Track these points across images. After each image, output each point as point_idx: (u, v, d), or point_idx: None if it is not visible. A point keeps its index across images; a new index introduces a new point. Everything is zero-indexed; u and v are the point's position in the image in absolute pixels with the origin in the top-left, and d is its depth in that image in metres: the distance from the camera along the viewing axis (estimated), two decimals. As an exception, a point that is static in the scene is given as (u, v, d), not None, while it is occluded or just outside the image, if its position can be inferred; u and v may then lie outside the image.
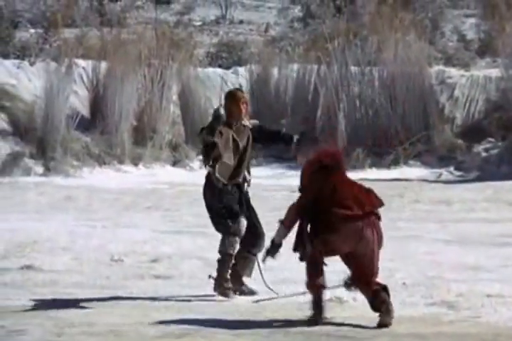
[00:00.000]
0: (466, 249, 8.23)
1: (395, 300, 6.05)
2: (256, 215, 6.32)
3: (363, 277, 5.39)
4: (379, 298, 5.38)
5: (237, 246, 6.17)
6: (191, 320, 5.44)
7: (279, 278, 6.54)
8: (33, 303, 5.88)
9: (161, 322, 5.36)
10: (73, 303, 5.87)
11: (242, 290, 6.21)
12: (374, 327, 5.29)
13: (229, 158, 6.14)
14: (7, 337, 4.99)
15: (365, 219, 5.34)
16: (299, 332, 5.22)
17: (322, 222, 5.35)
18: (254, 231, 6.25)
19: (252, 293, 6.20)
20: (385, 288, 5.42)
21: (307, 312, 5.51)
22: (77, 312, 5.61)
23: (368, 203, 5.38)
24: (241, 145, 6.21)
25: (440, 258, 7.68)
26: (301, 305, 5.82)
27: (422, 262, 7.46)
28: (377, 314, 5.40)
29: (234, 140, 6.18)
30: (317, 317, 5.38)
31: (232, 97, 6.22)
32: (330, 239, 5.32)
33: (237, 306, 5.83)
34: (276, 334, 5.15)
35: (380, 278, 6.78)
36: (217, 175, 6.12)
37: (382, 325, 5.32)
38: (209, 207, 6.23)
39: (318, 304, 5.39)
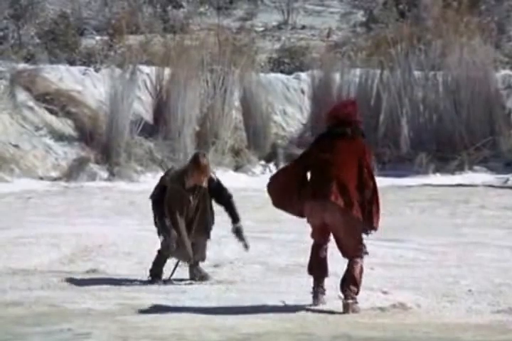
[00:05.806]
0: (533, 255, 8.07)
1: (461, 307, 5.96)
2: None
3: (343, 250, 5.70)
4: (343, 289, 5.67)
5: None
6: (253, 324, 5.44)
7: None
8: (98, 307, 5.95)
9: (224, 327, 5.37)
10: (137, 307, 5.93)
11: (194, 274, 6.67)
12: (438, 334, 5.22)
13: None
14: (73, 339, 5.06)
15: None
16: (361, 337, 5.17)
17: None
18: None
19: (205, 277, 6.65)
20: (354, 283, 5.64)
21: (369, 318, 5.46)
22: (141, 316, 5.66)
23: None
24: (192, 203, 6.50)
25: (507, 264, 7.54)
26: (365, 311, 5.77)
27: (488, 269, 7.33)
28: (442, 320, 5.36)
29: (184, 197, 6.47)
30: (314, 301, 5.73)
31: (196, 166, 6.52)
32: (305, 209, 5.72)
33: (298, 311, 5.80)
34: (339, 339, 5.11)
35: (446, 285, 6.69)
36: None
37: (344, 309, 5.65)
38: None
39: (314, 291, 5.78)
